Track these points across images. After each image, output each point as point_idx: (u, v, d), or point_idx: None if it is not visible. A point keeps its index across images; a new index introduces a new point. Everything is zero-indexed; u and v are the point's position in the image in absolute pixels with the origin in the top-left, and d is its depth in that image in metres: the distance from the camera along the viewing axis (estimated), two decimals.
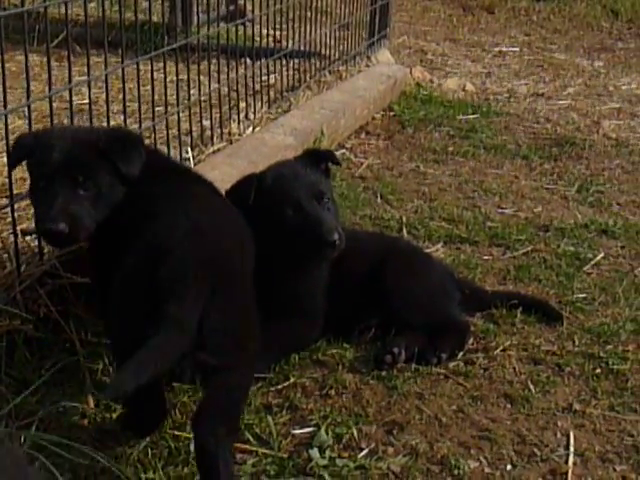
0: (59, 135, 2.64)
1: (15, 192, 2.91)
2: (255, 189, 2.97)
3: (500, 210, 4.45)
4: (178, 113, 3.99)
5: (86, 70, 3.24)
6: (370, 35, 6.93)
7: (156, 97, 3.78)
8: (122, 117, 3.79)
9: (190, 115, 4.13)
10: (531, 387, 2.89)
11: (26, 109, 3.01)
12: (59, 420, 2.55)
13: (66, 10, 3.06)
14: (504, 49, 8.86)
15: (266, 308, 2.88)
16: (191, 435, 2.50)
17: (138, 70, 3.57)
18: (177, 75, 3.97)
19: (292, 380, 2.86)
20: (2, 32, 2.71)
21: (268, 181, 3.01)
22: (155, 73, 3.79)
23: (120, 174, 2.60)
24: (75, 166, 2.55)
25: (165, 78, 3.86)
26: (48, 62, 2.97)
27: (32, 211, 3.22)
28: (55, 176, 2.54)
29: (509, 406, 2.81)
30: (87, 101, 4.17)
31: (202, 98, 4.30)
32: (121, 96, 3.56)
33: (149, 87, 3.78)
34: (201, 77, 4.35)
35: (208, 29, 4.45)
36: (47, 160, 2.55)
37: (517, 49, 8.91)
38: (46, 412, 2.54)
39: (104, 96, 3.45)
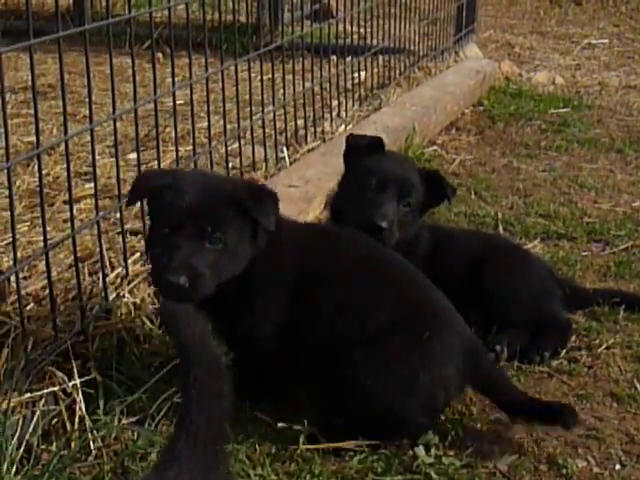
0: (192, 179, 2.43)
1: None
2: (372, 148, 3.06)
3: (597, 205, 4.38)
4: (274, 113, 4.03)
5: (176, 72, 3.29)
6: (457, 30, 6.89)
7: (247, 97, 3.83)
8: (216, 117, 3.87)
9: (285, 114, 4.17)
10: (637, 386, 2.84)
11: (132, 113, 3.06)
12: (169, 417, 2.59)
13: (169, 14, 3.11)
14: (593, 41, 8.70)
15: None
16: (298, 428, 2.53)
17: (237, 71, 3.62)
18: (273, 75, 4.01)
19: None
20: (111, 40, 2.77)
21: (386, 150, 3.12)
22: (245, 73, 3.84)
23: (253, 230, 2.44)
24: (206, 216, 2.35)
25: (262, 78, 3.90)
26: (153, 66, 3.02)
27: (135, 211, 3.32)
28: (183, 223, 2.34)
29: (615, 405, 2.76)
30: (181, 102, 4.31)
31: (294, 97, 4.33)
32: (213, 97, 3.62)
33: (236, 89, 3.80)
34: (291, 77, 4.38)
35: (302, 29, 4.48)
36: (176, 205, 2.34)
37: (606, 41, 8.74)
38: (157, 409, 2.58)
39: (196, 97, 3.50)
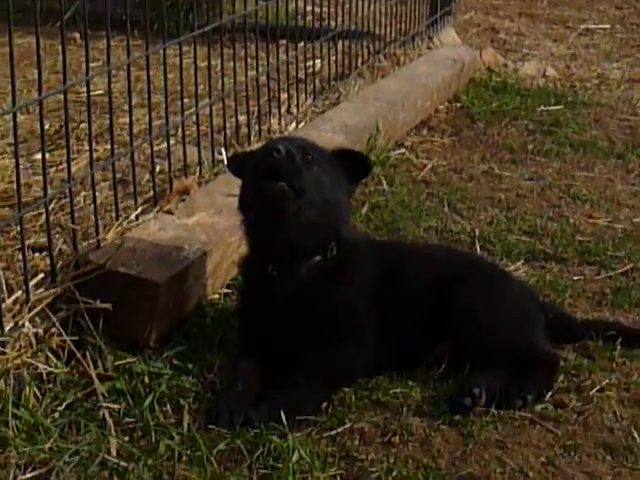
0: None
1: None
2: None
3: (592, 220, 4.43)
4: (211, 107, 4.03)
5: (95, 56, 3.27)
6: (432, 12, 6.96)
7: (177, 88, 3.83)
8: (141, 111, 3.86)
9: (224, 109, 4.17)
10: (635, 435, 2.86)
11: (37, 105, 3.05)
12: (76, 471, 2.57)
13: None
14: (592, 26, 8.83)
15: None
16: None
17: (165, 56, 3.61)
18: (209, 61, 4.01)
19: (348, 425, 2.85)
20: (10, 14, 2.75)
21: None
22: (174, 59, 3.84)
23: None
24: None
25: (196, 66, 3.89)
26: (63, 49, 3.00)
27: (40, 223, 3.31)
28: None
29: (609, 458, 2.78)
30: (100, 92, 4.30)
31: (235, 89, 4.33)
32: (140, 87, 3.62)
33: (164, 77, 3.76)
34: (230, 64, 4.36)
35: (245, 7, 4.47)
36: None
37: (608, 26, 8.87)
38: (62, 463, 2.56)
39: (120, 87, 3.50)
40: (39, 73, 2.93)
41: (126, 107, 3.51)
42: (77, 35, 6.14)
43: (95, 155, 3.39)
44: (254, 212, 3.04)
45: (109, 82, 3.29)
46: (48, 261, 3.03)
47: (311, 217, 2.98)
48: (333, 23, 5.50)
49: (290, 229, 2.98)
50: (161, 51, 3.64)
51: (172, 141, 3.86)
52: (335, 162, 3.13)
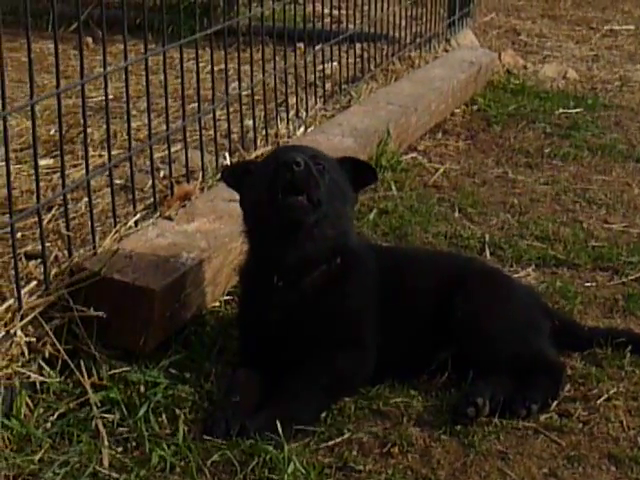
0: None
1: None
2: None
3: (607, 225, 4.40)
4: (214, 111, 4.02)
5: (112, 60, 3.30)
6: (450, 13, 6.94)
7: (188, 92, 3.83)
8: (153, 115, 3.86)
9: (228, 113, 4.16)
10: None
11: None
12: None
13: None
14: (616, 27, 8.79)
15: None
16: None
17: (165, 59, 3.61)
18: (212, 65, 4.01)
19: (347, 435, 2.84)
20: (29, 18, 2.77)
21: None
22: (187, 63, 3.84)
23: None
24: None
25: (197, 68, 3.89)
26: (56, 52, 3.00)
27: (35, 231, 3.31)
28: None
29: (613, 469, 2.75)
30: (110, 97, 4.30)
31: (244, 93, 4.33)
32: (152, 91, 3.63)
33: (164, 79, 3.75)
34: (244, 67, 4.37)
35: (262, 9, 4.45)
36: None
37: (632, 27, 8.85)
38: (51, 474, 2.55)
39: (130, 90, 3.51)
40: (30, 77, 2.93)
41: (134, 112, 3.51)
42: (89, 39, 6.20)
43: (100, 160, 3.39)
44: (269, 226, 2.99)
45: (105, 87, 3.29)
46: (42, 268, 3.03)
47: (325, 230, 2.99)
48: (351, 26, 5.48)
49: (305, 243, 2.98)
50: (164, 54, 3.64)
51: (179, 146, 3.87)
52: (341, 171, 3.12)
